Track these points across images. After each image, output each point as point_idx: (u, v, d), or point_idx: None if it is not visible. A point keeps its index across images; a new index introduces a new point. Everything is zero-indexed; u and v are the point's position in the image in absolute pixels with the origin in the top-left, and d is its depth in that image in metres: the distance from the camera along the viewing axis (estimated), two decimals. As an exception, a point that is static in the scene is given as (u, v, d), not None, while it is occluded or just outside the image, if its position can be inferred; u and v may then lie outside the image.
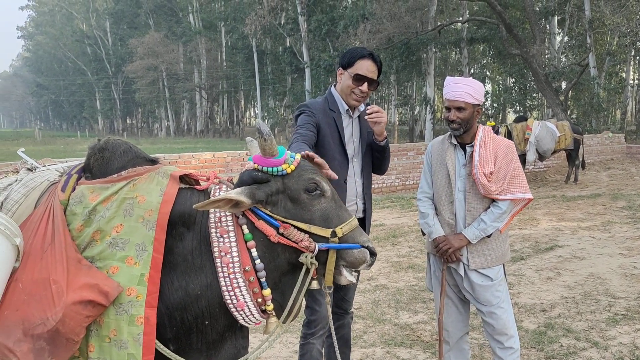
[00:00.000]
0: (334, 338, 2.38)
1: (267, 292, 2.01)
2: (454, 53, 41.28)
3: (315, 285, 2.09)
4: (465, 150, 3.24)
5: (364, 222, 3.31)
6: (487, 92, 36.99)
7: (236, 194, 1.92)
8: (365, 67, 3.07)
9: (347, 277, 2.08)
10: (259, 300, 2.00)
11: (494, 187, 3.11)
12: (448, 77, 3.28)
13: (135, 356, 1.81)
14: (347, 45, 29.76)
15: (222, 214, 1.98)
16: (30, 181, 2.14)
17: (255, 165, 2.05)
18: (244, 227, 1.98)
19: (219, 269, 1.94)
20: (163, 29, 51.76)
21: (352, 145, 3.21)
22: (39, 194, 2.07)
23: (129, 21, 58.93)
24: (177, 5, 52.48)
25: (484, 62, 41.95)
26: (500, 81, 44.71)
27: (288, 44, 40.13)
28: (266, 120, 43.62)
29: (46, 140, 45.09)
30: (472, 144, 3.20)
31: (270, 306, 2.03)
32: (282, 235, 1.98)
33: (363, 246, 2.06)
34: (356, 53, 3.10)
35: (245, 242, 1.97)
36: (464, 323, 3.44)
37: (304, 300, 2.20)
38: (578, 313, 5.03)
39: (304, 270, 2.02)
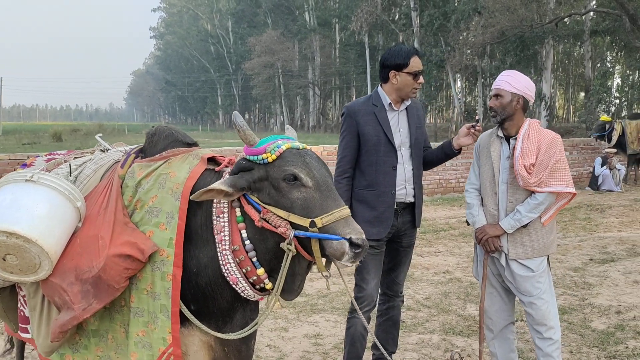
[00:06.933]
0: (365, 320, 2.66)
1: (260, 271, 2.17)
2: (577, 46, 38.99)
3: (316, 269, 2.20)
4: (510, 143, 3.32)
5: (413, 208, 3.51)
6: (609, 88, 34.45)
7: (219, 184, 2.09)
8: (417, 62, 3.33)
9: (339, 264, 2.09)
10: (255, 278, 2.20)
11: (533, 179, 3.16)
12: None
13: (166, 306, 2.16)
14: (457, 40, 29.20)
15: None
16: (100, 159, 2.63)
17: (244, 155, 2.21)
18: (237, 210, 2.17)
19: (217, 245, 2.19)
20: (280, 27, 53.48)
21: (399, 135, 3.42)
22: (105, 170, 2.53)
23: (248, 20, 61.46)
24: (294, 4, 54.01)
25: (610, 56, 39.19)
26: (628, 75, 41.55)
27: (400, 40, 39.98)
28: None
29: (171, 134, 48.14)
30: (517, 136, 3.27)
31: (269, 284, 2.22)
32: (264, 219, 2.11)
33: (345, 238, 2.02)
34: (406, 53, 3.33)
35: (238, 223, 2.18)
36: (509, 313, 3.50)
37: (304, 281, 2.30)
38: (656, 317, 4.82)
39: (286, 254, 2.11)
